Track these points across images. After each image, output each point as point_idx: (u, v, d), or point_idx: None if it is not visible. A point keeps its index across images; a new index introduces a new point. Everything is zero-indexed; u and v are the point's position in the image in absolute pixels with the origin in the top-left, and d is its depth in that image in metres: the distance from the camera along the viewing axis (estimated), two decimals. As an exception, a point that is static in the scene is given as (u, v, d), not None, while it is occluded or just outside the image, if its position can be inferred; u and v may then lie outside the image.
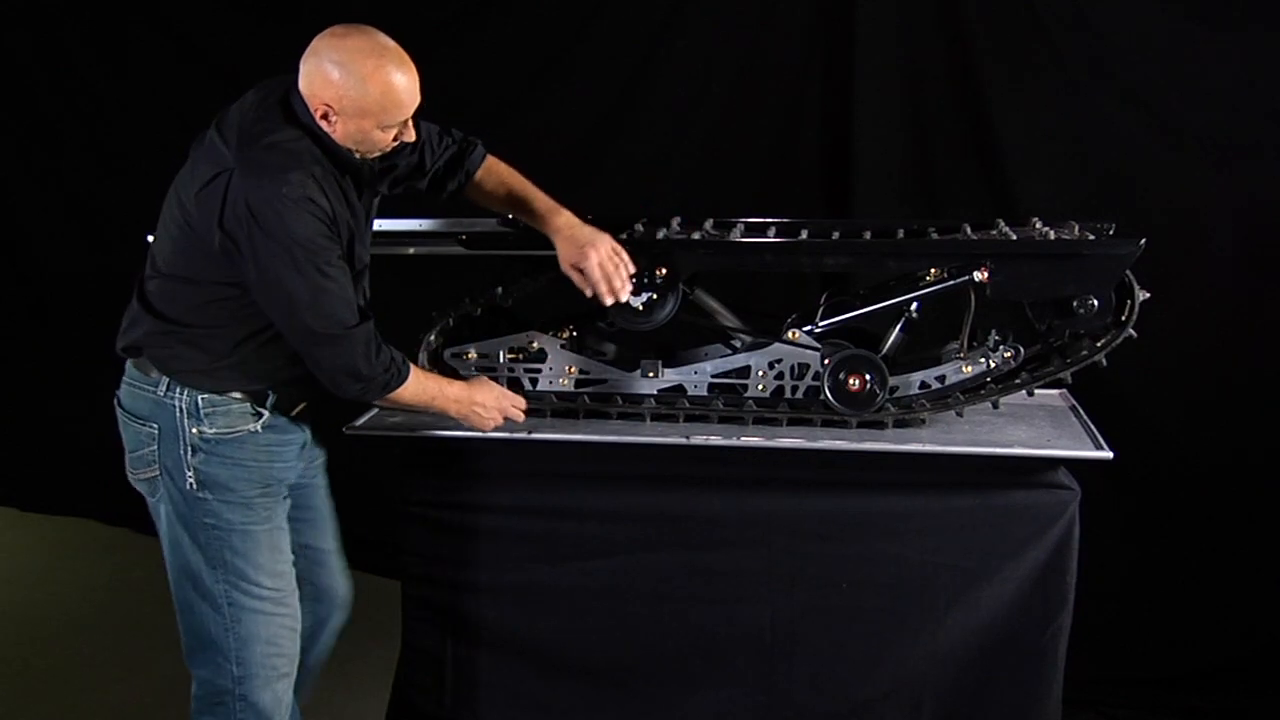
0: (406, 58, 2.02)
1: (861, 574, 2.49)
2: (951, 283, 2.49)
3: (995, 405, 2.58)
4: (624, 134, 3.77)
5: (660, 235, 2.62)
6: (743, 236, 2.66)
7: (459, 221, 2.57)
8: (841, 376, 2.49)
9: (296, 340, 2.03)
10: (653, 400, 2.58)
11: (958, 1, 3.34)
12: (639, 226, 2.69)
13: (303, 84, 2.01)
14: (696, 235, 2.63)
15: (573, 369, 2.59)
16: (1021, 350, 2.52)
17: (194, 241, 2.02)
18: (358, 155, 2.07)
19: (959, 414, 2.57)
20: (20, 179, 4.47)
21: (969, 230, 2.62)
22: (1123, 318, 2.44)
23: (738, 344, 2.59)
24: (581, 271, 2.33)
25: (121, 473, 4.51)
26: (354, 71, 1.97)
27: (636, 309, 2.49)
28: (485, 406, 2.29)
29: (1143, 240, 2.39)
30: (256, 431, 2.13)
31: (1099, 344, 2.45)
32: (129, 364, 2.15)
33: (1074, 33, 3.27)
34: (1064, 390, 2.80)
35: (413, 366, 2.16)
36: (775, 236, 2.66)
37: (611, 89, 3.76)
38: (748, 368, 2.56)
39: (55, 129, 4.38)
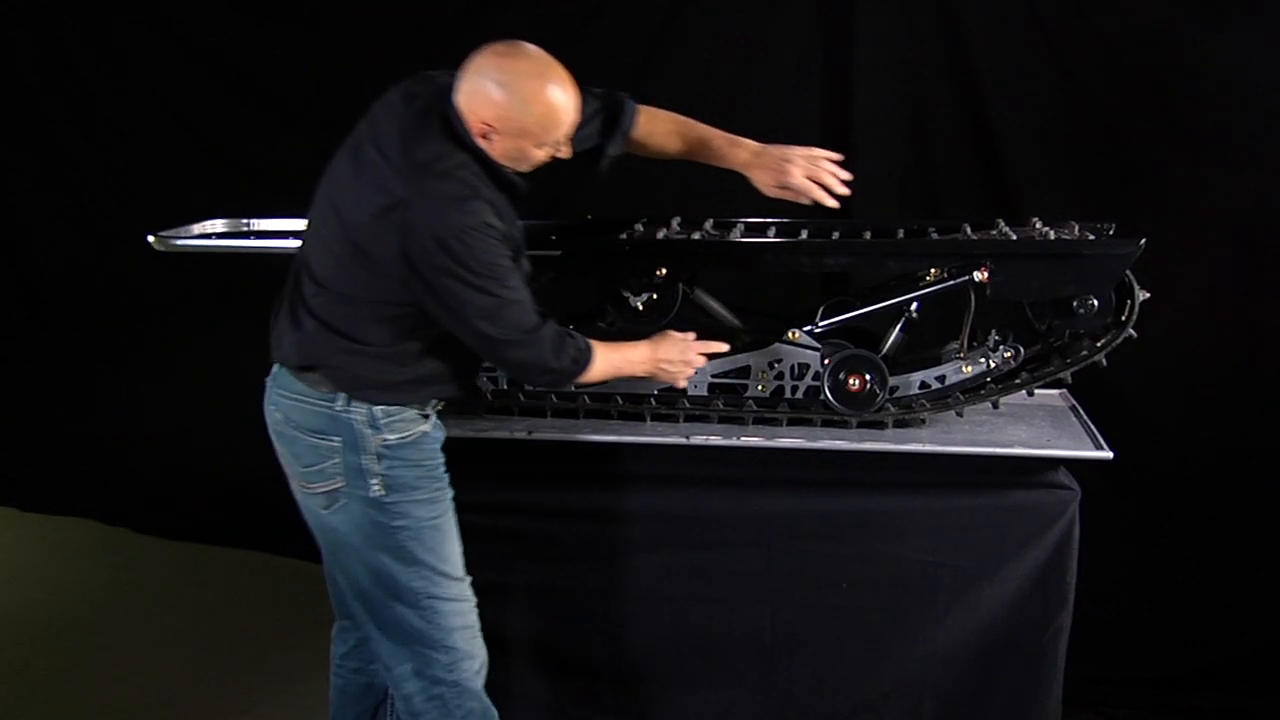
0: (568, 77, 2.03)
1: (861, 574, 2.50)
2: (951, 283, 2.49)
3: (995, 405, 2.58)
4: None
5: (660, 235, 2.62)
6: (743, 236, 2.66)
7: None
8: (841, 376, 2.49)
9: (486, 351, 2.09)
10: (653, 400, 2.58)
11: (958, 1, 3.34)
12: (639, 226, 2.69)
13: (462, 101, 2.01)
14: (696, 235, 2.63)
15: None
16: (1021, 350, 2.52)
17: (369, 266, 2.01)
18: (510, 170, 2.09)
19: (959, 414, 2.57)
20: (20, 179, 4.46)
21: (969, 230, 2.63)
22: (1123, 318, 2.44)
23: (738, 344, 2.59)
24: (789, 188, 2.32)
25: (121, 473, 4.51)
26: (517, 92, 1.98)
27: (637, 309, 2.49)
28: (671, 361, 2.29)
29: (1143, 240, 2.39)
30: (428, 432, 2.17)
31: (1099, 344, 2.45)
32: (293, 379, 2.11)
33: (1074, 32, 3.27)
34: (1064, 390, 2.80)
35: (595, 345, 2.18)
36: (775, 236, 2.66)
37: (612, 88, 3.75)
38: (747, 368, 2.56)
39: (55, 129, 4.37)
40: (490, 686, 2.25)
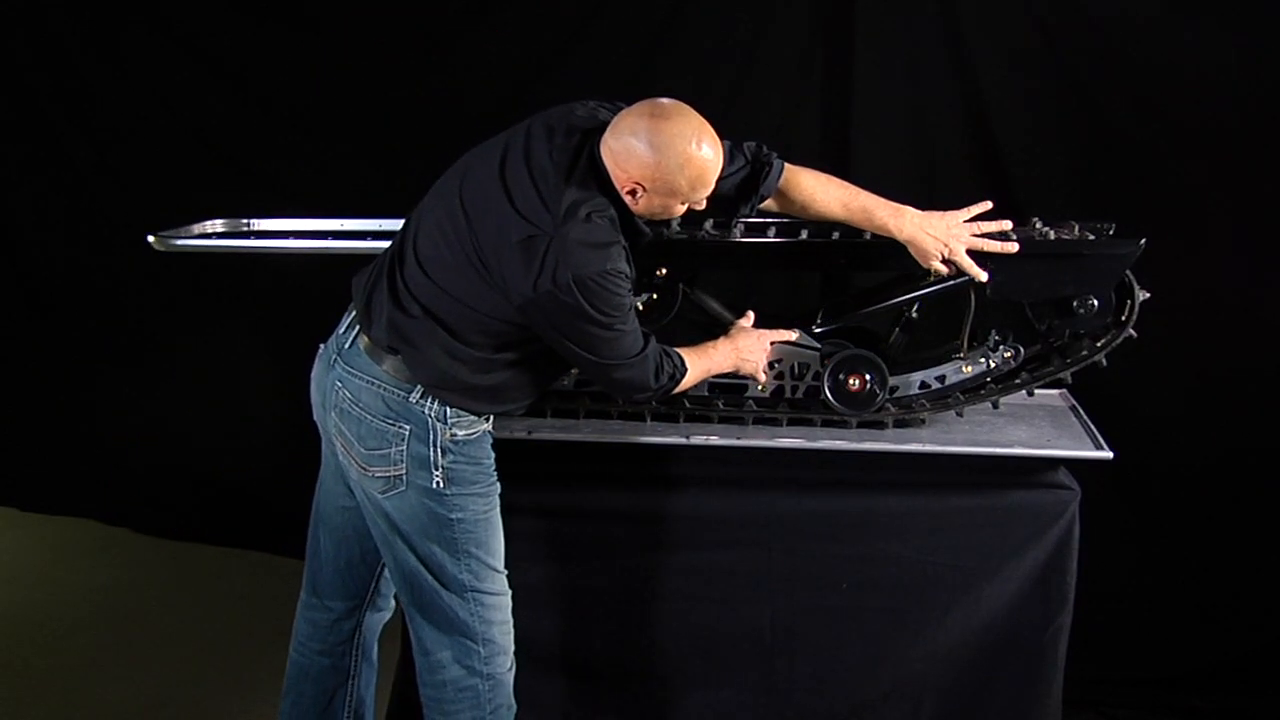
0: (717, 139, 2.06)
1: (861, 574, 2.49)
2: (951, 283, 2.49)
3: (995, 405, 2.58)
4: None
5: (660, 235, 2.62)
6: (743, 236, 2.66)
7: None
8: (841, 376, 2.49)
9: (591, 373, 2.18)
10: (653, 400, 2.58)
11: (958, 1, 3.34)
12: (639, 226, 2.69)
13: (611, 157, 2.04)
14: (697, 235, 2.63)
15: (573, 369, 2.59)
16: (1021, 350, 2.52)
17: (487, 280, 2.03)
18: (644, 221, 2.14)
19: (959, 414, 2.57)
20: (20, 179, 4.46)
21: (969, 230, 2.62)
22: (1123, 318, 2.44)
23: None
24: (953, 264, 2.36)
25: (121, 473, 4.51)
26: (671, 156, 2.00)
27: (637, 309, 2.49)
28: (752, 351, 2.39)
29: (1143, 240, 2.39)
30: (489, 431, 2.23)
31: (1099, 344, 2.45)
32: (370, 361, 2.14)
33: (1074, 32, 3.27)
34: (1064, 390, 2.80)
35: (686, 356, 2.27)
36: (775, 236, 2.66)
37: (612, 89, 3.74)
38: (748, 368, 2.55)
39: (55, 129, 4.37)
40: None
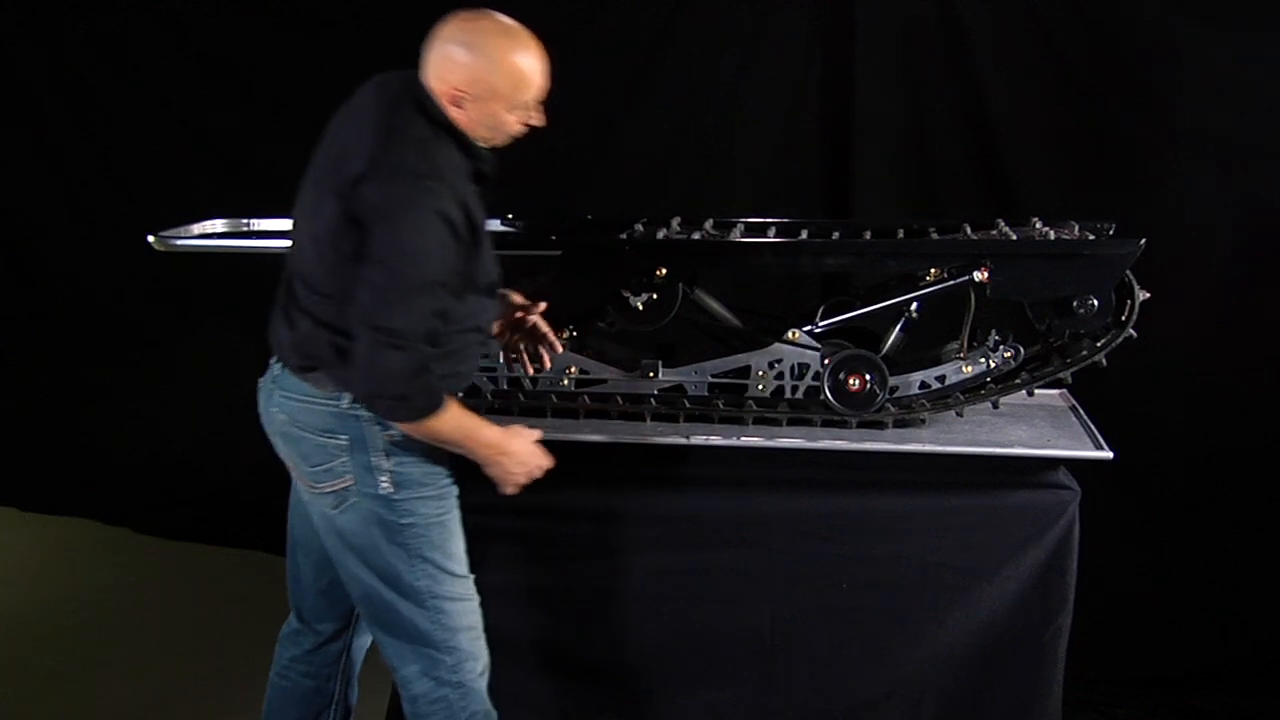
0: (534, 38, 2.01)
1: (861, 574, 2.49)
2: (951, 283, 2.49)
3: (995, 405, 2.58)
4: (624, 134, 3.77)
5: (660, 235, 2.62)
6: (743, 236, 2.66)
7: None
8: (841, 376, 2.49)
9: (359, 326, 1.95)
10: (653, 400, 2.58)
11: (958, 1, 3.34)
12: (639, 226, 2.69)
13: (430, 72, 1.98)
14: (696, 235, 2.63)
15: (573, 369, 2.59)
16: (1021, 350, 2.52)
17: (339, 255, 1.97)
18: (485, 145, 2.05)
19: (959, 414, 2.57)
20: (20, 179, 4.46)
21: (969, 230, 2.63)
22: (1123, 318, 2.44)
23: (738, 344, 2.59)
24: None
25: (121, 473, 4.51)
26: (484, 51, 1.95)
27: (637, 309, 2.49)
28: (514, 456, 2.14)
29: (1143, 240, 2.39)
30: None
31: (1099, 344, 2.45)
32: (297, 380, 2.08)
33: (1074, 32, 3.28)
34: (1064, 390, 2.80)
35: (454, 404, 2.04)
36: (775, 236, 2.66)
37: (612, 89, 3.76)
38: (748, 368, 2.56)
39: (55, 129, 4.38)
40: (490, 687, 2.25)
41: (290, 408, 2.11)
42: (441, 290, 1.95)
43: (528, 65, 1.98)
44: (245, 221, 2.88)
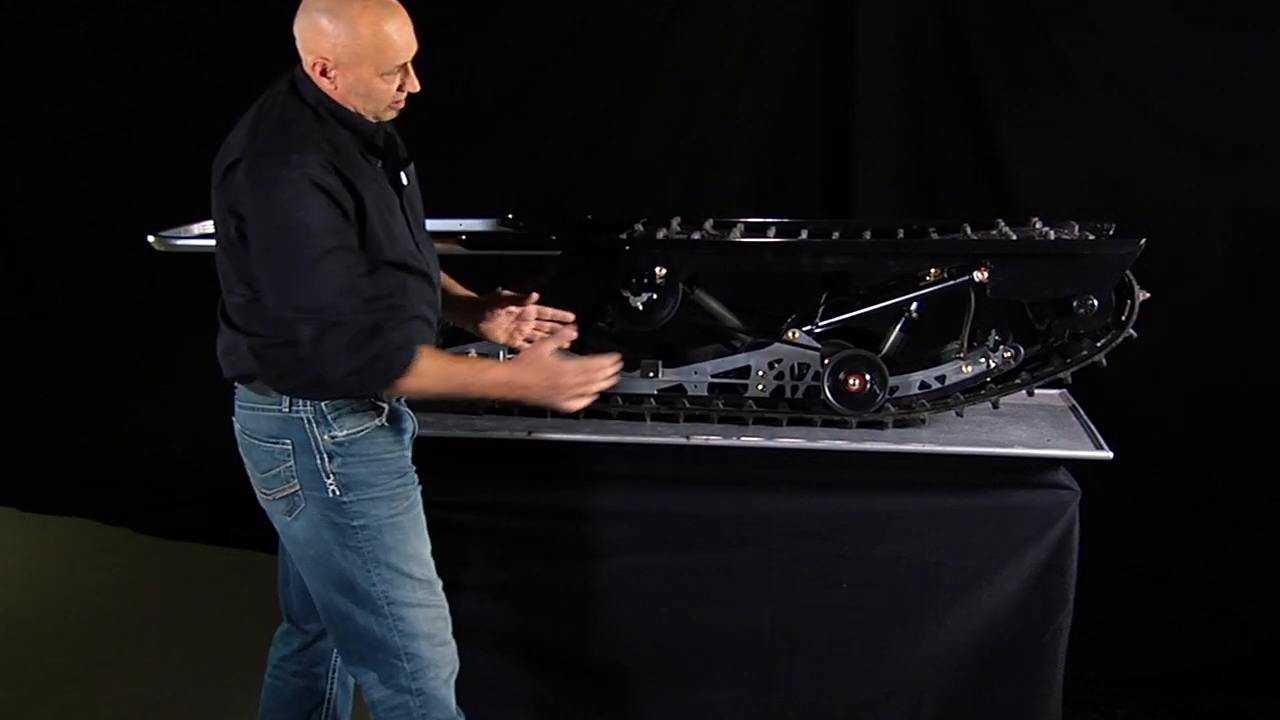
0: (395, 1, 1.99)
1: (861, 574, 2.49)
2: (951, 283, 2.49)
3: (995, 405, 2.58)
4: (624, 134, 3.77)
5: (660, 235, 2.62)
6: (743, 236, 2.66)
7: (459, 221, 2.57)
8: (841, 376, 2.49)
9: (286, 329, 1.96)
10: (653, 400, 2.58)
11: (958, 1, 3.34)
12: (639, 226, 2.69)
13: (299, 46, 1.98)
14: (696, 235, 2.63)
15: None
16: (1021, 350, 2.52)
17: (231, 249, 1.99)
18: (369, 116, 2.02)
19: (959, 414, 2.57)
20: (21, 179, 4.46)
21: (969, 230, 2.63)
22: (1123, 318, 2.44)
23: (738, 344, 2.58)
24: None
25: (121, 473, 4.50)
26: (342, 15, 1.94)
27: (636, 309, 2.49)
28: (530, 389, 2.04)
29: (1143, 240, 2.39)
30: (383, 425, 2.10)
31: (1099, 344, 2.45)
32: (241, 389, 2.12)
33: (1074, 32, 3.28)
34: (1064, 390, 2.80)
35: (430, 354, 1.99)
36: (775, 236, 2.66)
37: (612, 89, 3.76)
38: (748, 368, 2.56)
39: (55, 129, 4.38)
40: (490, 687, 2.25)
41: (242, 416, 2.13)
42: (344, 254, 1.90)
43: (390, 27, 1.95)
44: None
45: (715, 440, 2.50)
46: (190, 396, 4.35)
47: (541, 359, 2.03)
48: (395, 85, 2.00)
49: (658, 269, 2.48)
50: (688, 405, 2.57)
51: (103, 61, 4.25)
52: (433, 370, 1.98)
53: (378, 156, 2.04)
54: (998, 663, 2.50)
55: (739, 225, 2.71)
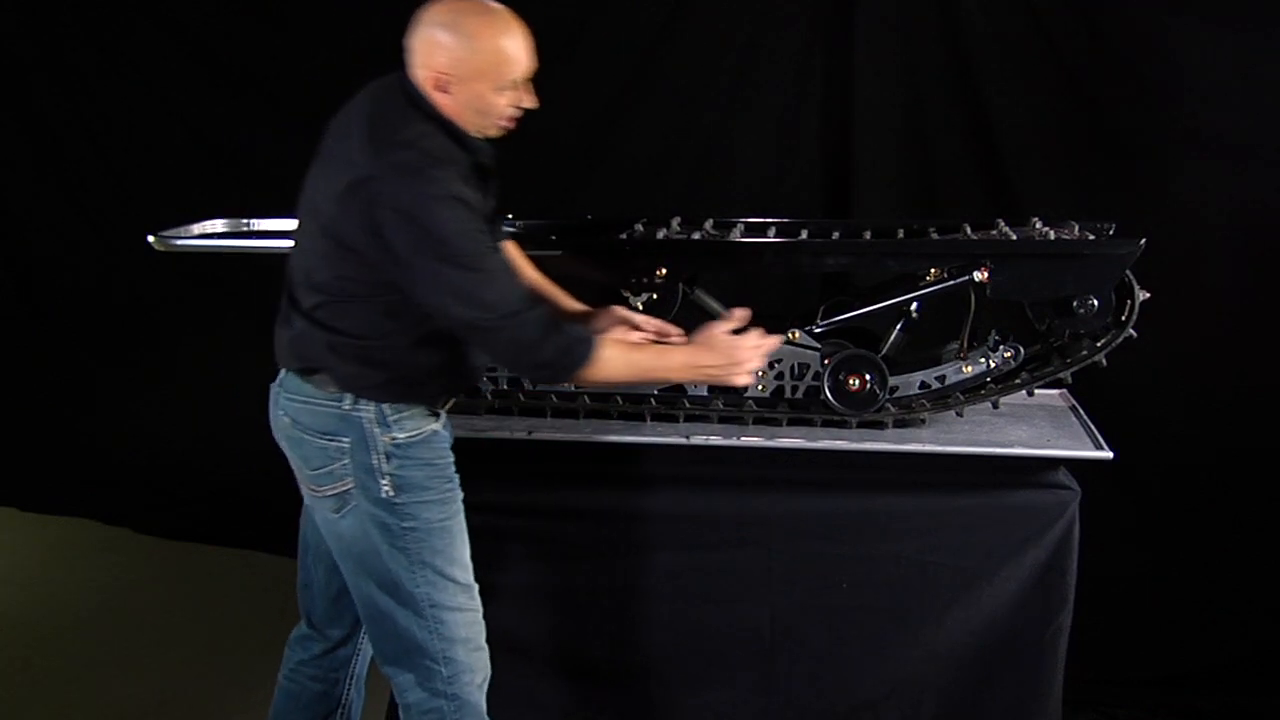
0: (514, 15, 1.99)
1: (861, 574, 2.49)
2: (951, 283, 2.49)
3: (995, 405, 2.58)
4: (624, 134, 3.77)
5: (660, 235, 2.62)
6: (743, 236, 2.66)
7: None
8: (841, 376, 2.49)
9: (467, 335, 2.00)
10: (653, 400, 2.58)
11: (958, 1, 3.34)
12: (639, 226, 2.69)
13: (414, 61, 1.98)
14: (696, 235, 2.63)
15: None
16: (1021, 350, 2.52)
17: (346, 255, 1.97)
18: (478, 133, 2.03)
19: (959, 414, 2.57)
20: (20, 179, 4.46)
21: (969, 230, 2.63)
22: (1123, 318, 2.44)
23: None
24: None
25: (122, 473, 4.50)
26: (462, 30, 1.94)
27: (636, 309, 2.49)
28: (715, 368, 2.11)
29: (1143, 240, 2.39)
30: (438, 430, 2.13)
31: (1099, 344, 2.45)
32: (300, 382, 2.08)
33: (1074, 32, 3.27)
34: (1064, 390, 2.80)
35: (607, 343, 2.03)
36: (775, 236, 2.66)
37: (612, 89, 3.75)
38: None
39: (55, 129, 4.38)
40: (490, 687, 2.25)
41: (293, 409, 2.10)
42: (497, 253, 1.96)
43: (509, 43, 1.96)
44: (245, 221, 2.88)
45: (715, 440, 2.50)
46: (190, 396, 4.36)
47: (717, 338, 2.11)
48: (511, 101, 2.01)
49: (658, 269, 2.48)
50: (688, 405, 2.57)
51: (103, 61, 4.25)
52: (617, 358, 2.04)
53: (485, 175, 2.06)
54: (998, 663, 2.50)
55: (739, 225, 2.71)
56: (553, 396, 2.60)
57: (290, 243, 2.18)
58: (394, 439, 2.06)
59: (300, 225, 2.10)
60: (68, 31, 4.26)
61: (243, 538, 4.09)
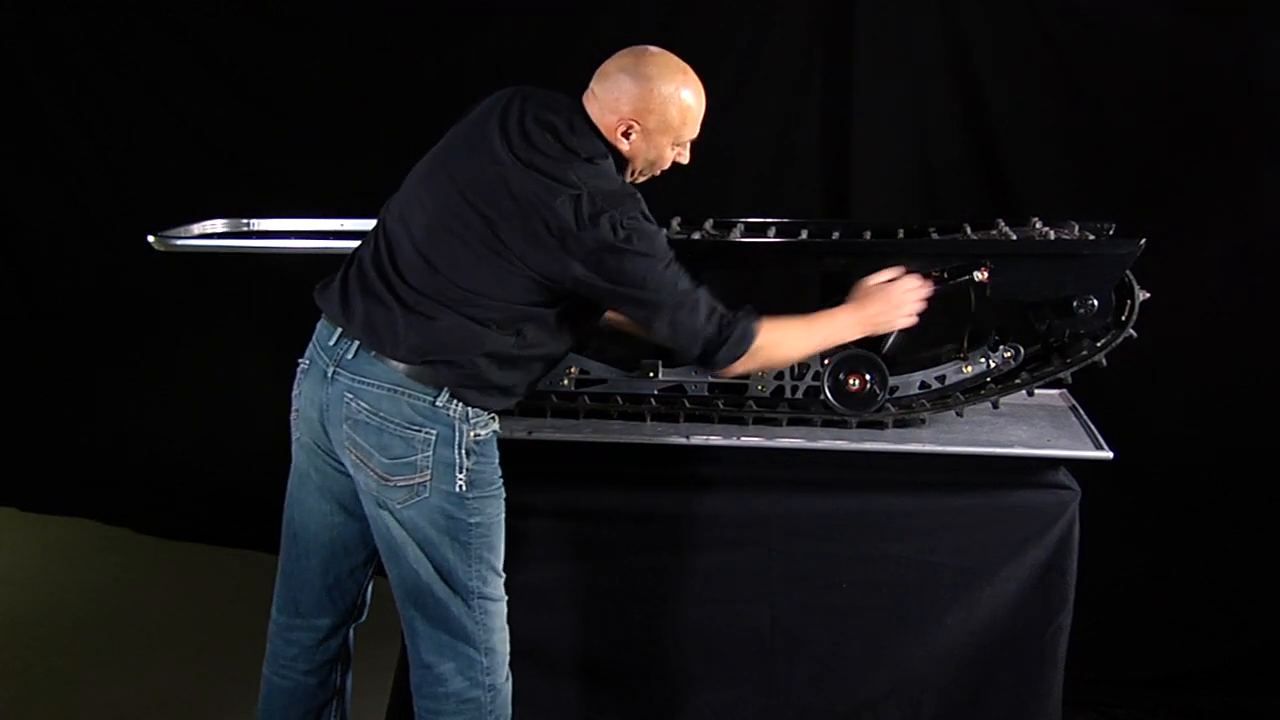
0: (697, 77, 2.10)
1: (861, 574, 2.49)
2: (951, 283, 2.49)
3: (995, 405, 2.58)
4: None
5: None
6: (743, 236, 2.66)
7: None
8: (841, 376, 2.49)
9: (655, 326, 2.09)
10: (653, 400, 2.58)
11: (958, 1, 3.34)
12: (639, 226, 2.69)
13: (601, 102, 2.07)
14: (696, 235, 2.63)
15: (573, 369, 2.59)
16: (1021, 350, 2.52)
17: (511, 266, 2.01)
18: (638, 179, 2.15)
19: (959, 414, 2.57)
20: (20, 179, 4.46)
21: (969, 230, 2.63)
22: (1123, 318, 2.44)
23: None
24: None
25: (121, 473, 4.50)
26: (664, 84, 2.04)
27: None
28: (882, 313, 2.27)
29: (1143, 240, 2.39)
30: (498, 431, 2.19)
31: (1099, 344, 2.45)
32: (382, 368, 2.07)
33: (1074, 32, 3.27)
34: (1064, 390, 2.80)
35: (775, 324, 2.15)
36: (775, 236, 2.66)
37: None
38: (747, 367, 2.55)
39: (55, 129, 4.38)
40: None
41: (373, 395, 2.08)
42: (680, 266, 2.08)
43: (697, 103, 2.09)
44: (245, 221, 2.88)
45: (715, 440, 2.50)
46: (190, 396, 4.36)
47: (874, 288, 2.28)
48: (676, 156, 2.14)
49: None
50: (688, 405, 2.57)
51: (103, 61, 4.25)
52: (787, 331, 2.17)
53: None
54: (998, 663, 2.50)
55: (739, 225, 2.71)
56: (553, 397, 2.60)
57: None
58: (476, 436, 2.11)
59: (426, 207, 2.09)
60: (68, 31, 4.26)
61: (243, 538, 4.09)
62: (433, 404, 2.07)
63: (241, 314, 4.23)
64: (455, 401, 2.08)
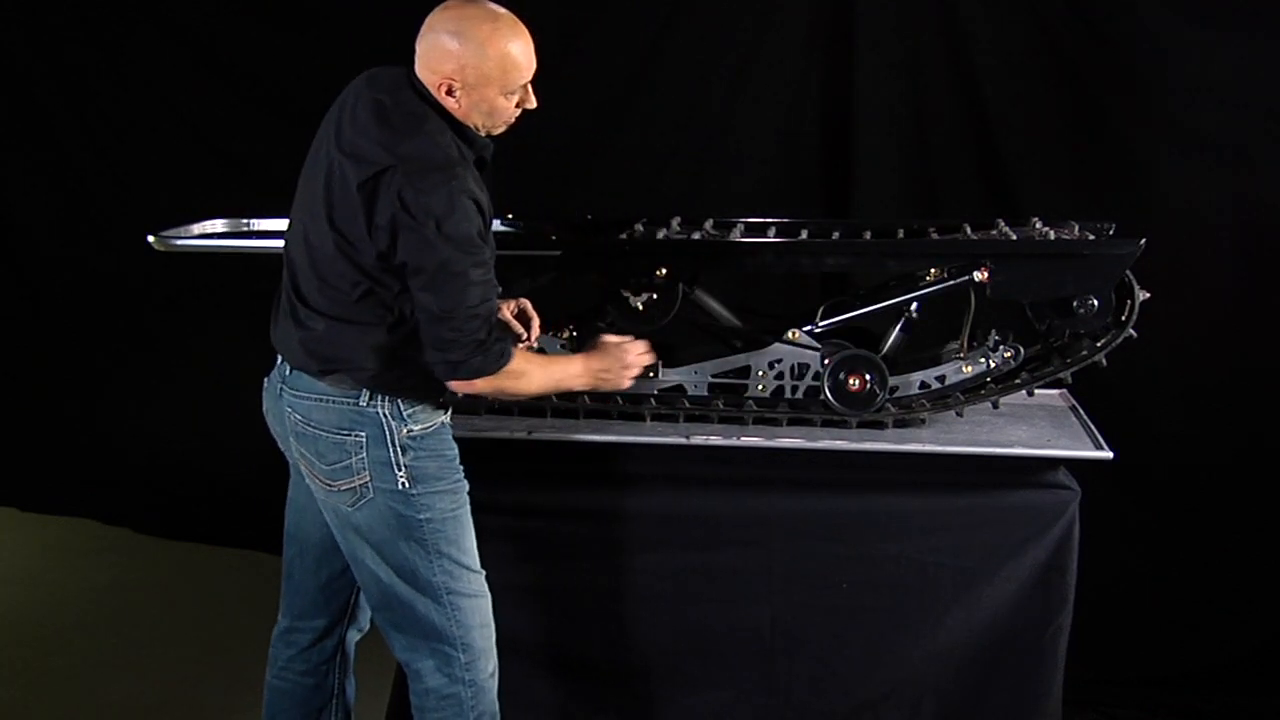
0: (519, 22, 2.05)
1: (861, 574, 2.49)
2: (951, 283, 2.49)
3: (995, 405, 2.58)
4: (624, 134, 3.77)
5: (660, 235, 2.62)
6: (743, 236, 2.66)
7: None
8: (841, 376, 2.49)
9: (427, 319, 2.03)
10: (653, 400, 2.58)
11: (958, 2, 3.34)
12: (639, 226, 2.69)
13: (422, 64, 2.03)
14: (696, 235, 2.63)
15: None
16: (1021, 350, 2.52)
17: (360, 250, 2.01)
18: (484, 132, 2.10)
19: (959, 414, 2.57)
20: (20, 179, 4.46)
21: (969, 230, 2.63)
22: (1123, 318, 2.44)
23: (738, 344, 2.58)
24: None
25: (121, 473, 4.50)
26: (471, 37, 1.99)
27: (637, 309, 2.49)
28: (608, 369, 2.27)
29: (1143, 240, 2.39)
30: (445, 422, 2.19)
31: (1099, 344, 2.45)
32: (307, 380, 2.11)
33: (1074, 32, 3.28)
34: (1064, 390, 2.80)
35: (524, 355, 2.16)
36: (775, 236, 2.66)
37: (611, 89, 3.76)
38: (748, 368, 2.56)
39: (55, 129, 4.37)
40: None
41: (305, 406, 2.12)
42: (490, 260, 2.03)
43: (516, 49, 2.02)
44: (245, 221, 2.88)
45: (715, 440, 2.50)
46: (190, 396, 4.36)
47: (610, 345, 2.29)
48: (515, 103, 2.08)
49: (658, 269, 2.48)
50: (688, 405, 2.57)
51: (103, 62, 4.25)
52: (530, 366, 2.16)
53: (483, 172, 2.11)
54: (998, 663, 2.50)
55: (739, 225, 2.71)
56: (553, 397, 2.60)
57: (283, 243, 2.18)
58: (409, 432, 2.11)
59: (301, 221, 2.11)
60: (68, 32, 4.26)
61: (243, 538, 4.09)
62: (357, 406, 2.08)
63: (241, 314, 4.21)
64: (380, 399, 2.08)
